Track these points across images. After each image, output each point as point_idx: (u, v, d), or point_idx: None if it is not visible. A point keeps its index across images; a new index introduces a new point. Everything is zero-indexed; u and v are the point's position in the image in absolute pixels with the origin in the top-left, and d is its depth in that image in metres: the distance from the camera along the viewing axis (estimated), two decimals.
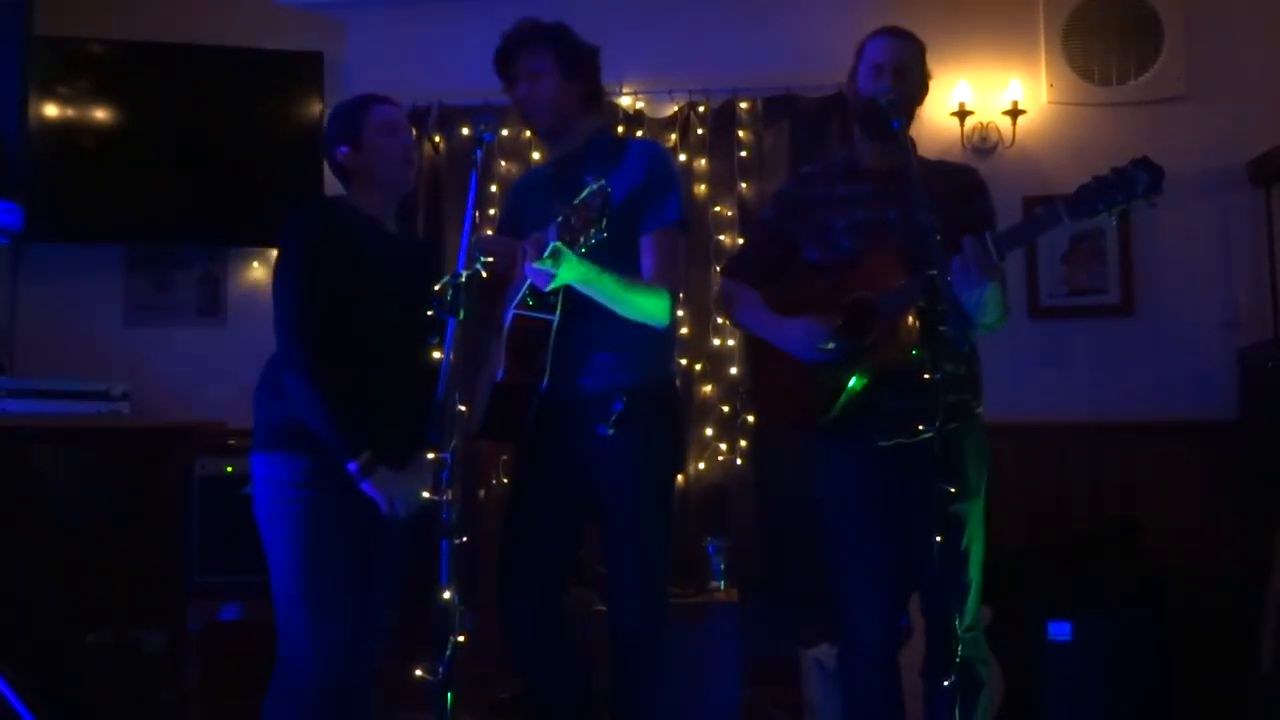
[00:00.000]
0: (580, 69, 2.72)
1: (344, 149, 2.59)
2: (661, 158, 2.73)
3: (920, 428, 2.47)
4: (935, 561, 2.29)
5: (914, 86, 2.64)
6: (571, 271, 2.37)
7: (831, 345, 2.51)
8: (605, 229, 2.25)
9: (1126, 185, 2.22)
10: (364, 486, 2.40)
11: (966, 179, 2.69)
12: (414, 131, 4.12)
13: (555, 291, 2.45)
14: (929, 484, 2.25)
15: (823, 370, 2.55)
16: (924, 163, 2.57)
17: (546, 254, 2.30)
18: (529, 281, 2.43)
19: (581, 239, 2.26)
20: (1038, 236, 2.48)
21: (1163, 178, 2.22)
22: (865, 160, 2.69)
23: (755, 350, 2.79)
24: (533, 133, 2.82)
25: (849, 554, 2.63)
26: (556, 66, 2.68)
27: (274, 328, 2.46)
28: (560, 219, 2.29)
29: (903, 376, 2.45)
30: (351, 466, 2.38)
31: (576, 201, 2.27)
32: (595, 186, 2.26)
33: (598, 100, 2.83)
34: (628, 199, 2.53)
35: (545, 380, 2.57)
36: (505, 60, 2.74)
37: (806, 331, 2.55)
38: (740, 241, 4.06)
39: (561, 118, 2.71)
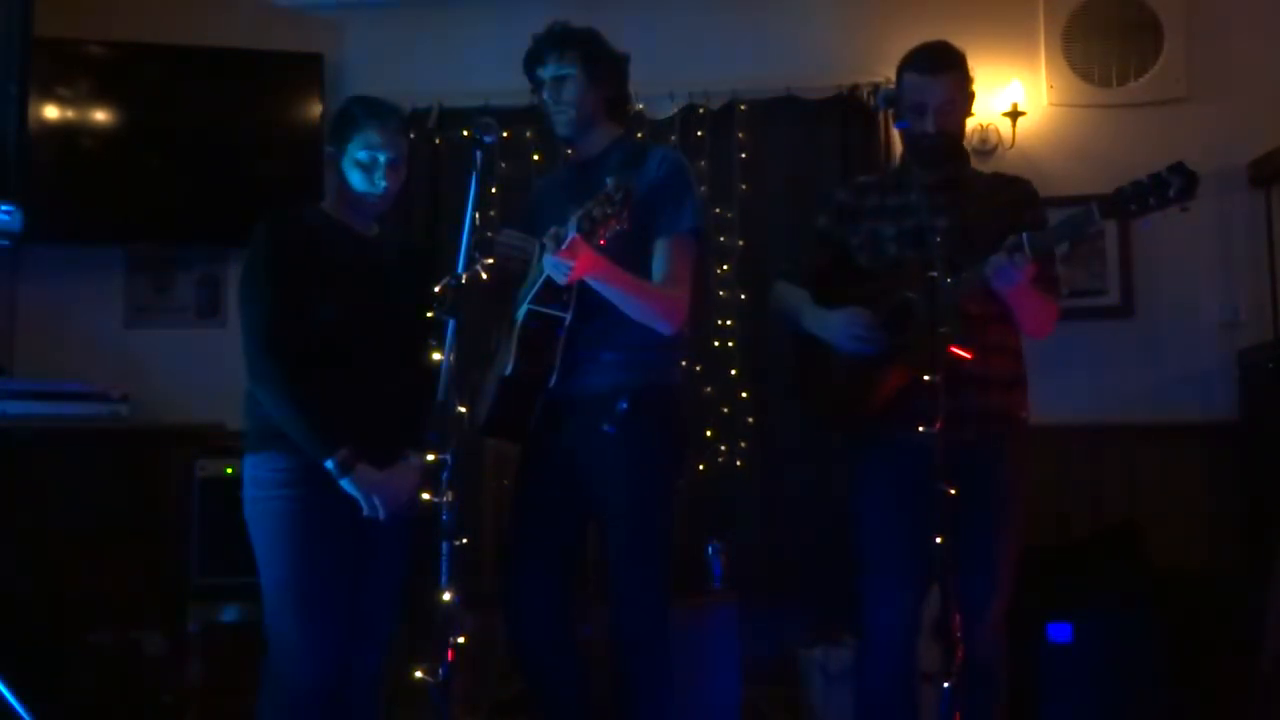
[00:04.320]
0: (607, 75, 2.73)
1: (330, 150, 2.61)
2: (680, 166, 2.73)
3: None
4: (964, 562, 2.29)
5: (960, 116, 2.70)
6: (588, 266, 2.39)
7: (869, 336, 2.55)
8: (626, 222, 2.26)
9: (1160, 189, 2.23)
10: (343, 485, 2.40)
11: (1020, 189, 2.75)
12: (410, 136, 4.16)
13: (569, 288, 2.46)
14: (966, 486, 2.26)
15: (863, 367, 2.58)
16: (980, 175, 2.61)
17: (565, 245, 2.31)
18: (544, 276, 2.44)
19: (602, 231, 2.27)
20: (1073, 238, 2.51)
21: (1196, 183, 2.22)
22: (916, 174, 2.72)
23: (802, 349, 2.81)
24: (554, 136, 2.82)
25: (878, 552, 2.67)
26: (584, 71, 2.69)
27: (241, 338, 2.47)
28: (581, 211, 2.31)
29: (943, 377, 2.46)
30: (328, 465, 2.38)
31: (599, 194, 2.28)
32: (618, 182, 2.27)
33: (622, 108, 2.84)
34: (644, 203, 2.52)
35: (554, 377, 2.58)
36: (534, 62, 2.75)
37: (846, 320, 2.61)
38: (740, 243, 4.16)
39: (584, 122, 2.72)
